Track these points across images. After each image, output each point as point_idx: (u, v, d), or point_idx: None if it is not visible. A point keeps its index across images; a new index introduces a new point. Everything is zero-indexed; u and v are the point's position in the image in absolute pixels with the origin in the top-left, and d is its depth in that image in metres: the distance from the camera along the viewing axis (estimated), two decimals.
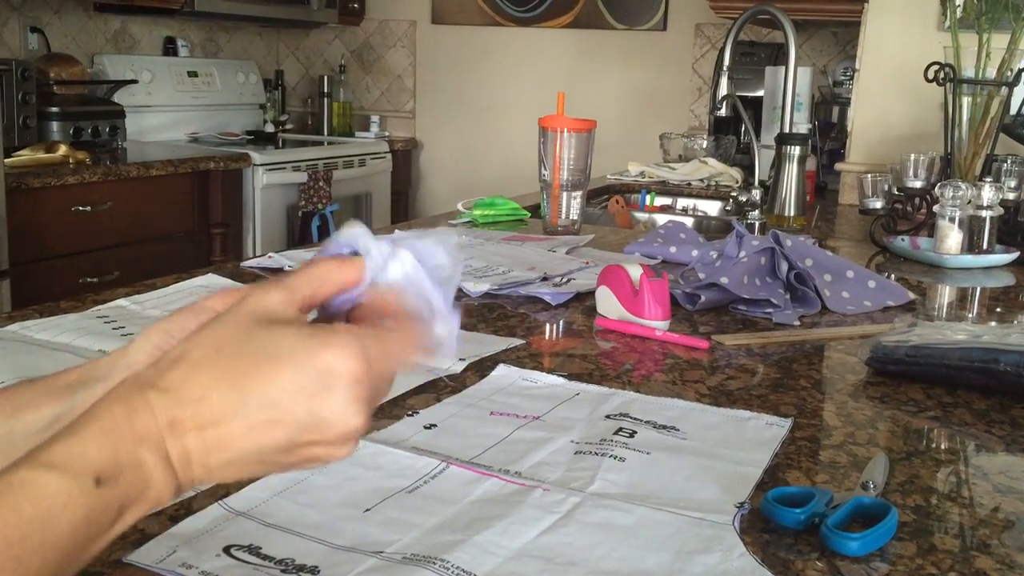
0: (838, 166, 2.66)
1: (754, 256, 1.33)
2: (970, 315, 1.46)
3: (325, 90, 4.45)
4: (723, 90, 2.25)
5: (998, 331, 1.07)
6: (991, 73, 2.03)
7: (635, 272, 1.20)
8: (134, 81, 3.62)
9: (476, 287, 1.34)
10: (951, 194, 1.73)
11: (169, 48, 3.97)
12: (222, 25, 4.23)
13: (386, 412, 0.87)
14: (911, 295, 1.41)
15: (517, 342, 1.12)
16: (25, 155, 2.79)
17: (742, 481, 0.75)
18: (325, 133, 4.43)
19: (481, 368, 1.02)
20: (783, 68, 2.32)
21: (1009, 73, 2.01)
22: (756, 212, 2.04)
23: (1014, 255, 1.75)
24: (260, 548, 0.62)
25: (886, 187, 2.01)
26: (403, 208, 4.38)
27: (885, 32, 2.53)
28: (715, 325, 1.25)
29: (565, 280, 1.40)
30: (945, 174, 2.03)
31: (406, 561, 0.61)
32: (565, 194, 1.83)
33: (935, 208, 1.78)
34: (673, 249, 1.63)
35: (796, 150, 2.18)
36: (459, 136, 4.43)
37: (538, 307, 1.31)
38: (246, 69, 4.20)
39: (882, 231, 1.91)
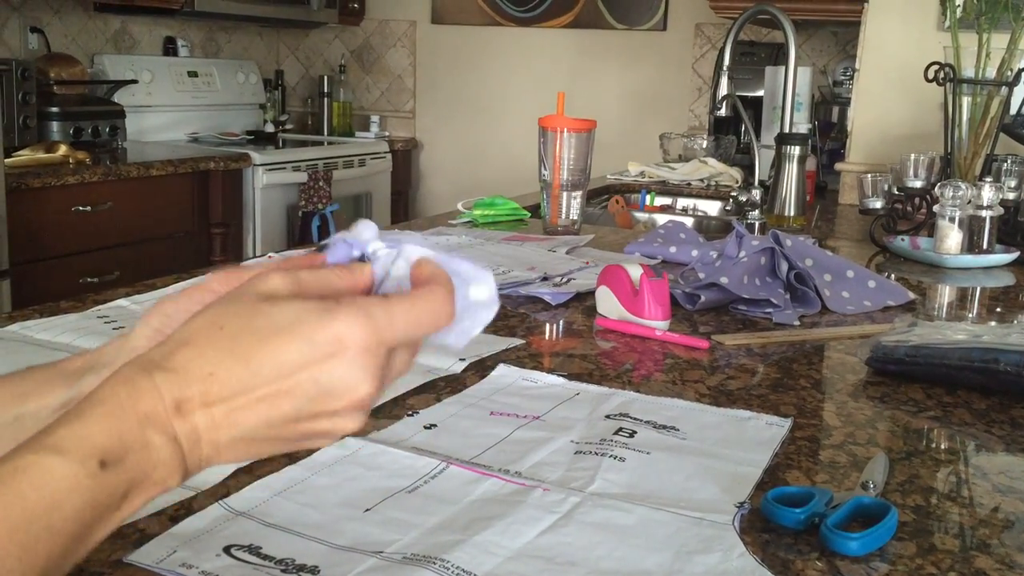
0: (838, 166, 2.66)
1: (754, 256, 1.33)
2: (970, 315, 1.46)
3: (325, 90, 4.45)
4: (723, 90, 2.25)
5: (998, 331, 1.07)
6: (991, 73, 2.03)
7: (635, 272, 1.20)
8: (134, 81, 3.62)
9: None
10: (951, 194, 1.73)
11: (169, 48, 3.97)
12: (222, 25, 4.23)
13: (386, 412, 0.87)
14: (911, 295, 1.41)
15: (517, 342, 1.12)
16: (25, 155, 2.79)
17: (742, 481, 0.75)
18: (325, 133, 4.43)
19: (481, 368, 1.02)
20: (783, 68, 2.32)
21: (1009, 73, 2.01)
22: (756, 212, 2.04)
23: (1014, 255, 1.75)
24: (260, 548, 0.62)
25: (886, 187, 2.01)
26: (403, 208, 4.38)
27: (885, 32, 2.53)
28: (715, 325, 1.25)
29: (565, 280, 1.40)
30: (945, 174, 2.03)
31: (406, 561, 0.61)
32: (565, 194, 1.83)
33: (935, 208, 1.78)
34: (673, 249, 1.63)
35: (796, 150, 2.18)
36: (459, 136, 4.44)
37: (538, 307, 1.31)
38: (246, 69, 4.20)
39: (882, 231, 1.91)
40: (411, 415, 0.87)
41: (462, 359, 1.02)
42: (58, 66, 3.28)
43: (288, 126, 4.42)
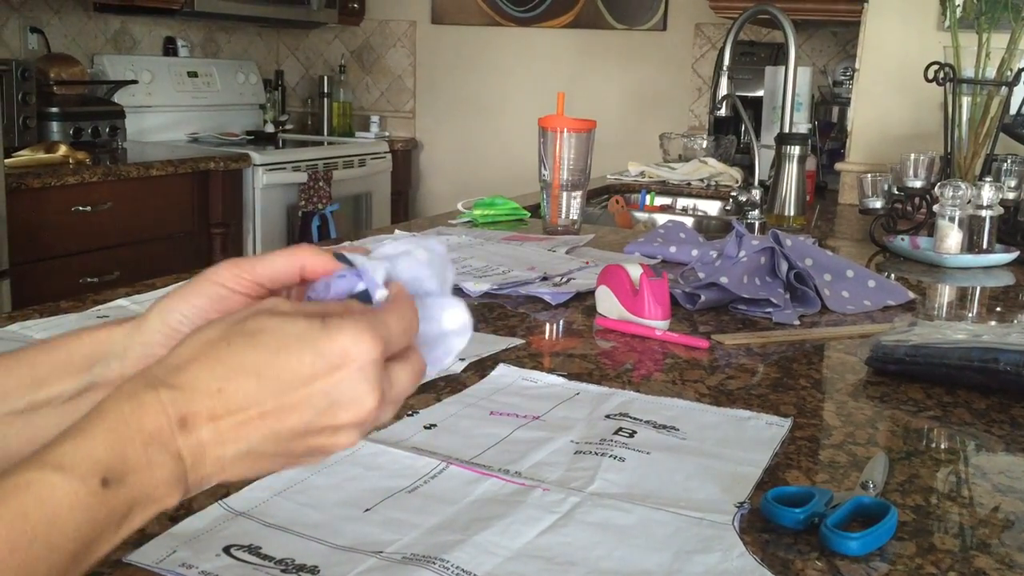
0: (838, 166, 2.66)
1: (754, 256, 1.33)
2: (970, 315, 1.46)
3: (325, 90, 4.45)
4: (723, 90, 2.25)
5: (998, 330, 1.07)
6: (991, 73, 2.03)
7: (635, 272, 1.20)
8: (134, 81, 3.62)
9: (476, 287, 1.34)
10: (951, 194, 1.73)
11: (169, 48, 3.97)
12: (222, 25, 4.23)
13: None
14: (911, 295, 1.41)
15: (517, 342, 1.12)
16: (25, 155, 2.79)
17: (742, 481, 0.75)
18: (325, 133, 4.43)
19: (481, 368, 1.02)
20: (783, 68, 2.32)
21: (1009, 73, 2.01)
22: (756, 212, 2.04)
23: (1014, 255, 1.75)
24: (260, 548, 0.62)
25: (886, 187, 2.01)
26: (403, 208, 4.38)
27: (885, 32, 2.53)
28: (715, 325, 1.25)
29: (565, 280, 1.40)
30: (945, 174, 2.03)
31: (406, 561, 0.61)
32: (565, 194, 1.83)
33: (935, 208, 1.78)
34: (673, 249, 1.63)
35: (796, 150, 2.18)
36: (459, 136, 4.44)
37: (538, 307, 1.31)
38: (246, 69, 4.20)
39: (882, 231, 1.91)
40: (411, 415, 0.87)
41: (462, 359, 1.02)
42: (58, 66, 3.28)
43: (288, 126, 4.42)
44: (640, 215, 2.62)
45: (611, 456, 0.79)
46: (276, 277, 0.50)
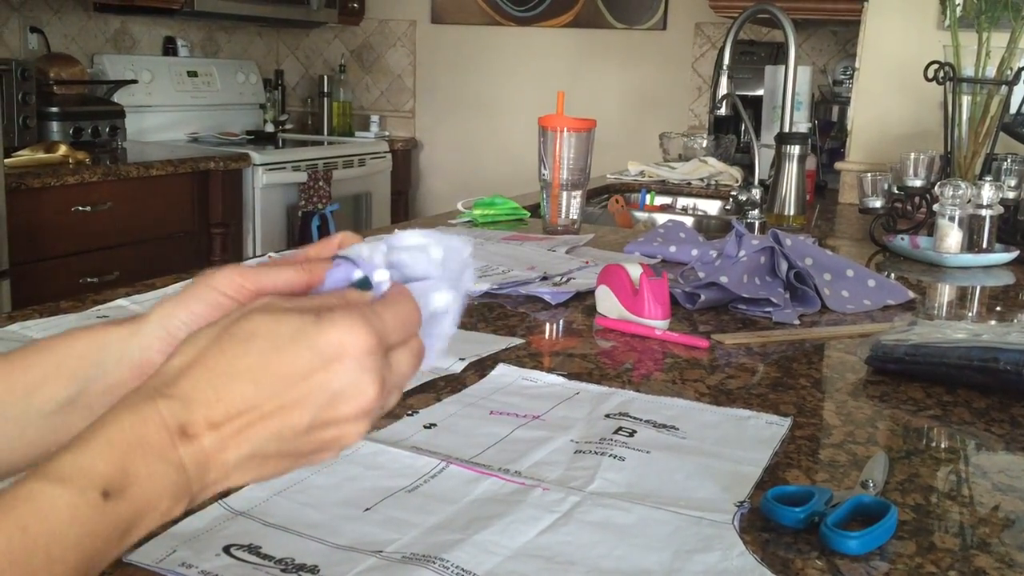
0: (838, 165, 2.66)
1: (754, 255, 1.33)
2: (970, 314, 1.46)
3: (325, 90, 4.45)
4: (723, 89, 2.25)
5: (998, 330, 1.07)
6: (991, 72, 2.03)
7: (635, 271, 1.20)
8: (134, 81, 3.62)
9: (476, 286, 1.34)
10: (951, 193, 1.73)
11: (169, 48, 3.97)
12: (222, 25, 4.23)
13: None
14: (911, 294, 1.41)
15: (517, 341, 1.12)
16: (25, 155, 2.79)
17: (742, 480, 0.75)
18: (325, 133, 4.43)
19: (481, 367, 1.02)
20: (783, 67, 2.32)
21: (1009, 72, 2.01)
22: (756, 211, 2.04)
23: (1014, 254, 1.75)
24: (260, 548, 0.62)
25: (886, 186, 2.01)
26: (403, 208, 4.38)
27: (885, 31, 2.53)
28: (715, 324, 1.25)
29: (565, 279, 1.40)
30: (945, 173, 2.03)
31: (406, 560, 0.61)
32: (565, 194, 1.83)
33: (935, 207, 1.78)
34: (673, 248, 1.63)
35: (796, 149, 2.18)
36: (459, 136, 4.43)
37: (538, 306, 1.31)
38: (246, 69, 4.20)
39: (882, 230, 1.91)
40: (411, 414, 0.87)
41: (462, 359, 1.02)
42: (58, 66, 3.28)
43: (288, 126, 4.42)
44: (640, 215, 2.62)
45: (611, 455, 0.79)
46: (280, 290, 0.49)
